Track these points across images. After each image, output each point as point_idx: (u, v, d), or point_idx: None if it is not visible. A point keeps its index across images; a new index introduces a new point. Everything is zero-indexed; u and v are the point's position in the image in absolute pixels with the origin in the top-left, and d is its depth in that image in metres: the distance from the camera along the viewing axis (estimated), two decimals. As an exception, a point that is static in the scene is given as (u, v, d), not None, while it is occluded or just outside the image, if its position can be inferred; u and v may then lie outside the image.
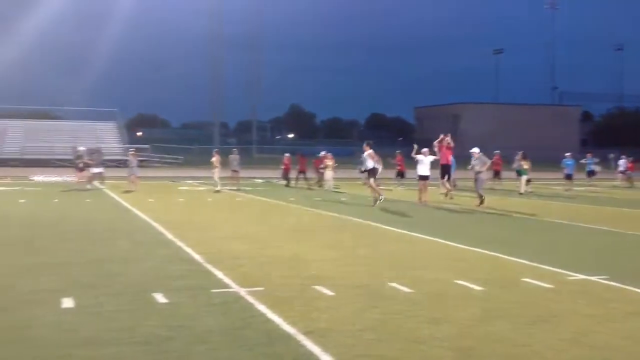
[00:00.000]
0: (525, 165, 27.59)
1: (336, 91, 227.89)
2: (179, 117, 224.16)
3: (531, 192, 27.23)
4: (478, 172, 20.09)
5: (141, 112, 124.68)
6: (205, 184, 29.41)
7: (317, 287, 7.79)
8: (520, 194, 26.19)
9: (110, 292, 7.43)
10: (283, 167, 31.23)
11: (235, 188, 26.90)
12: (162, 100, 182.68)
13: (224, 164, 27.57)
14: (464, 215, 17.70)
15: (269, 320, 6.32)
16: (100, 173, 27.17)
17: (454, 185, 29.06)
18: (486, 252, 10.74)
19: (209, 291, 7.56)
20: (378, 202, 19.19)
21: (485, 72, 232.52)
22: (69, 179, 29.59)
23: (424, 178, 20.62)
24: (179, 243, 11.29)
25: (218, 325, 6.16)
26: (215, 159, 26.91)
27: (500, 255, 10.38)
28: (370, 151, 19.89)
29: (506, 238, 12.93)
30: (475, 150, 20.58)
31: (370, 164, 19.66)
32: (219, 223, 14.90)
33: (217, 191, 25.16)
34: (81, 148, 28.33)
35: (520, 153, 28.52)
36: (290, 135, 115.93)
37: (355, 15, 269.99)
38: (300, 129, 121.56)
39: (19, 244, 11.14)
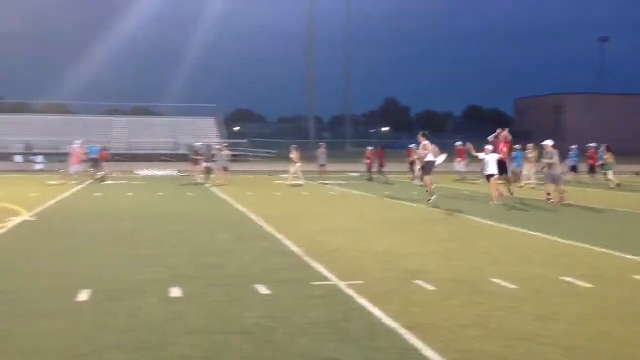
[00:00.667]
0: (610, 159, 26.47)
1: (431, 84, 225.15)
2: (274, 112, 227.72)
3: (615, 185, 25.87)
4: (546, 166, 18.84)
5: (238, 108, 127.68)
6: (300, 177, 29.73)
7: (417, 282, 7.73)
8: (611, 188, 24.98)
9: (214, 283, 7.65)
10: (367, 160, 30.99)
11: (325, 182, 27.16)
12: (258, 96, 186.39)
13: (312, 158, 27.95)
14: (552, 210, 16.97)
15: (370, 314, 6.33)
16: (209, 168, 27.66)
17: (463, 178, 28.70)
18: (591, 247, 10.31)
19: (309, 283, 7.65)
20: (431, 200, 17.27)
21: (589, 61, 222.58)
22: (178, 173, 30.74)
23: (491, 176, 18.50)
24: (278, 236, 11.48)
25: (320, 317, 6.22)
26: (293, 155, 27.22)
27: (607, 251, 9.94)
28: (426, 142, 18.09)
29: (609, 232, 12.37)
30: (548, 142, 19.22)
31: (430, 156, 17.98)
32: (316, 216, 15.03)
33: (296, 185, 25.54)
34: (197, 143, 29.65)
35: (604, 146, 27.36)
36: (385, 129, 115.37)
37: (450, 6, 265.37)
38: (395, 122, 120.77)
39: (129, 236, 11.64)
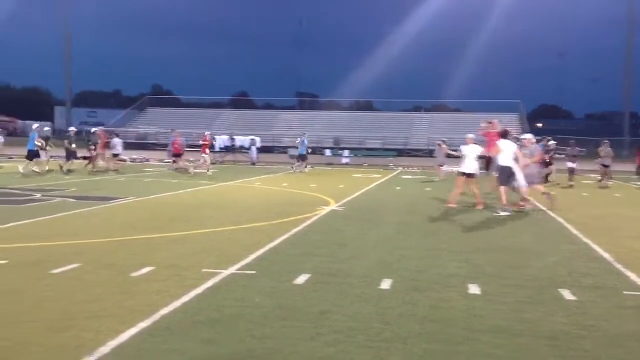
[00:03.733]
0: None
1: None
2: (583, 108, 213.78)
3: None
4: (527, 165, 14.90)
5: (544, 103, 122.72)
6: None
7: None
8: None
9: (514, 283, 7.45)
10: None
11: (609, 183, 24.46)
12: (566, 91, 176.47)
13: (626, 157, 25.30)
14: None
15: (695, 333, 5.61)
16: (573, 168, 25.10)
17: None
18: None
19: (621, 292, 7.05)
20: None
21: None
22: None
23: (468, 175, 15.43)
24: (585, 239, 10.77)
25: (632, 329, 5.69)
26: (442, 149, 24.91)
27: None
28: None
29: None
30: (527, 136, 15.96)
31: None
32: (630, 221, 13.78)
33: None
34: (551, 142, 25.63)
35: None
36: None
37: None
38: None
39: (424, 230, 11.92)
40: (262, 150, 45.34)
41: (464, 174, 15.55)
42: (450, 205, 15.34)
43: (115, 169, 26.91)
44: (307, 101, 79.31)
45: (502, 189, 14.28)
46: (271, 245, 9.62)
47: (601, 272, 8.18)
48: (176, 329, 5.50)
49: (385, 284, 7.28)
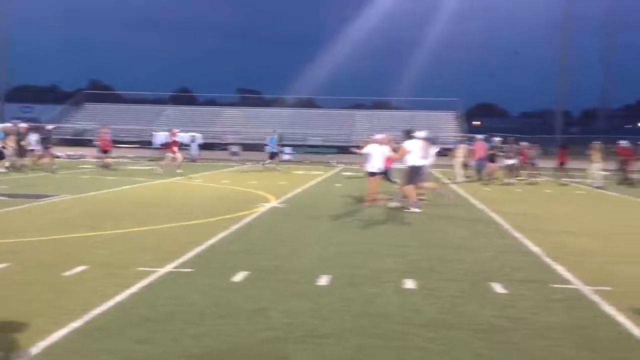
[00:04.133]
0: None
1: None
2: (518, 106, 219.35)
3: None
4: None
5: (481, 102, 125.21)
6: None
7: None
8: None
9: (448, 278, 7.62)
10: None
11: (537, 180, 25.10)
12: (503, 90, 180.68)
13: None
14: None
15: (617, 324, 5.86)
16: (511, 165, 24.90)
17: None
18: None
19: (549, 286, 7.30)
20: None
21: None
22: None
23: (374, 174, 15.28)
24: (516, 234, 11.09)
25: (559, 321, 5.91)
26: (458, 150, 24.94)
27: None
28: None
29: None
30: (421, 134, 15.57)
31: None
32: (559, 216, 14.26)
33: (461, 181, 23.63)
34: (497, 139, 26.19)
35: None
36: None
37: None
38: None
39: (362, 227, 12.05)
40: (204, 147, 44.92)
41: (371, 173, 15.35)
42: (366, 204, 15.07)
43: (39, 165, 25.73)
44: (249, 98, 78.98)
45: (410, 187, 14.37)
46: (210, 242, 9.55)
47: (531, 266, 8.44)
48: (109, 328, 5.42)
49: (323, 280, 7.33)
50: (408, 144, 14.73)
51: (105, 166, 27.45)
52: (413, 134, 15.33)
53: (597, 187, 22.83)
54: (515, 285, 7.30)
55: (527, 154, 25.12)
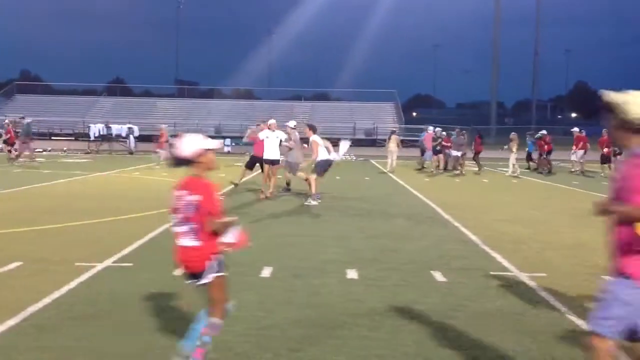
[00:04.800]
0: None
1: (626, 67, 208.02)
2: (454, 98, 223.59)
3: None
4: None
5: (418, 93, 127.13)
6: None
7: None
8: None
9: (390, 267, 7.72)
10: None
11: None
12: (439, 81, 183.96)
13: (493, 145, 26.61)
14: None
15: (552, 309, 6.06)
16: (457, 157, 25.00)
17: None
18: None
19: (487, 273, 7.48)
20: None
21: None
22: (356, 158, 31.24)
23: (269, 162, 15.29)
24: (456, 223, 11.31)
25: (498, 307, 6.07)
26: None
27: None
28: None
29: None
30: (289, 124, 16.22)
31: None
32: (496, 205, 14.61)
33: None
34: (438, 129, 26.29)
35: None
36: (573, 115, 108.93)
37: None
38: (585, 108, 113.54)
39: (304, 218, 12.08)
40: (141, 139, 44.01)
41: (266, 161, 15.08)
42: (263, 196, 14.76)
43: None
44: (186, 89, 77.78)
45: (317, 178, 14.18)
46: (150, 236, 9.40)
47: (469, 254, 8.63)
48: (46, 326, 5.27)
49: (266, 272, 7.32)
50: (317, 138, 14.42)
51: (15, 159, 25.72)
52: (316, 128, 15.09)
53: (514, 175, 23.44)
54: (455, 273, 7.45)
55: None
